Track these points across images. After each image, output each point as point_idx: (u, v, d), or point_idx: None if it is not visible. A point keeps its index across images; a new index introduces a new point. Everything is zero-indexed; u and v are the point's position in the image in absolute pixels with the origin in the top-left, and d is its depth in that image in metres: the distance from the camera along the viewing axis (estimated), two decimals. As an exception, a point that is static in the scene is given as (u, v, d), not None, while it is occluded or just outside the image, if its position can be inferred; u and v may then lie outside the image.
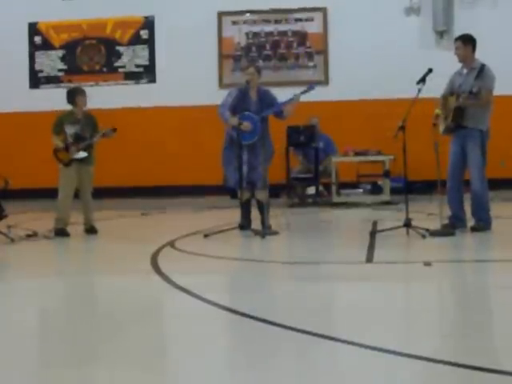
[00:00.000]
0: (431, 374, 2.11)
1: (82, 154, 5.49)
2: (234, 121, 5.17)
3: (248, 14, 8.98)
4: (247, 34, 9.01)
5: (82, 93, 5.62)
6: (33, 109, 8.96)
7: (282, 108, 5.32)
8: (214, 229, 5.29)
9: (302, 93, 5.33)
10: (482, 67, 4.83)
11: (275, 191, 6.75)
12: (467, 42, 4.92)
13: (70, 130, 5.51)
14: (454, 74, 5.02)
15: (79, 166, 5.51)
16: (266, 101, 5.31)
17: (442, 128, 4.99)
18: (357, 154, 7.64)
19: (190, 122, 8.86)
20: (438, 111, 4.94)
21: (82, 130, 5.54)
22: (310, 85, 5.57)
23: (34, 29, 9.39)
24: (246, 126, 5.16)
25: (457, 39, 5.03)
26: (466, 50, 4.88)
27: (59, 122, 5.54)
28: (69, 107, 5.65)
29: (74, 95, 5.58)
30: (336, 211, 7.04)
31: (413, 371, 2.13)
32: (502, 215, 5.61)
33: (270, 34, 8.98)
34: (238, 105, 5.25)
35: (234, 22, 9.02)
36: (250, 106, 5.28)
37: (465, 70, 4.94)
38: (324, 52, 8.86)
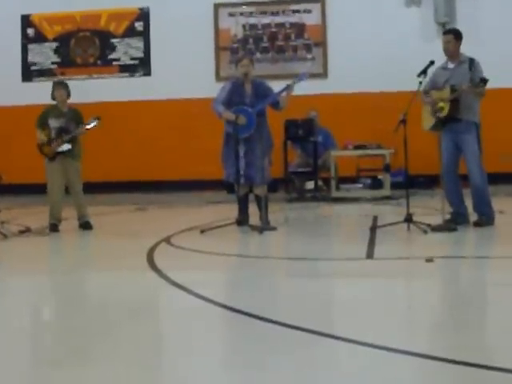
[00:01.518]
0: (430, 371, 2.07)
1: (66, 147, 5.44)
2: (229, 115, 5.08)
3: (245, 6, 8.85)
4: (244, 25, 8.91)
5: (59, 86, 5.55)
6: (25, 102, 8.84)
7: (277, 99, 5.23)
8: (210, 224, 5.24)
9: (297, 81, 5.24)
10: (473, 60, 4.79)
11: (273, 186, 6.65)
12: (459, 37, 4.88)
13: (54, 124, 5.47)
14: (438, 69, 4.95)
15: (64, 160, 5.46)
16: (262, 93, 5.24)
17: (428, 125, 4.91)
18: (356, 147, 7.55)
19: (186, 116, 8.77)
20: (441, 104, 4.84)
21: (66, 124, 5.48)
22: (304, 73, 5.49)
23: (26, 21, 9.28)
24: (241, 119, 5.07)
25: (448, 32, 4.97)
26: (456, 45, 4.85)
27: (43, 116, 5.50)
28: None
29: (52, 89, 5.54)
30: (335, 206, 6.99)
31: (412, 368, 2.11)
32: (506, 210, 5.54)
33: (268, 25, 8.88)
34: (233, 98, 5.18)
35: (231, 14, 8.91)
36: (245, 99, 5.21)
37: (450, 65, 4.89)
38: (322, 44, 8.76)
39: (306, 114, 7.68)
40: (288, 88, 5.18)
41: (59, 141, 5.40)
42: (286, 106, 5.30)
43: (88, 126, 5.47)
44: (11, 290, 3.46)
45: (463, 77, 4.76)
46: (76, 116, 5.54)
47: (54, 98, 5.52)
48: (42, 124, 5.46)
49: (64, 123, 5.46)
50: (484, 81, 4.56)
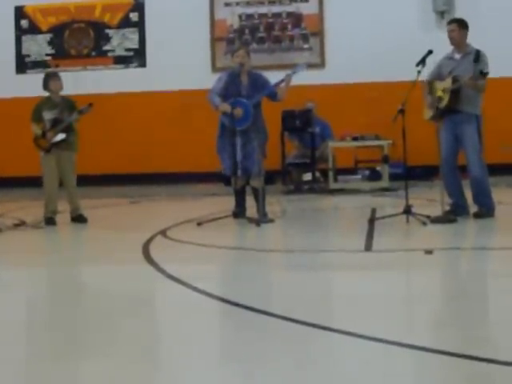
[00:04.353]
0: (430, 364, 2.05)
1: (60, 136, 5.38)
2: (226, 107, 5.02)
3: (241, -4, 8.77)
4: (240, 15, 8.82)
5: (55, 77, 5.49)
6: (20, 94, 8.75)
7: (275, 90, 5.18)
8: (207, 217, 5.19)
9: (294, 72, 5.19)
10: (478, 52, 4.73)
11: (270, 177, 6.60)
12: (463, 26, 4.84)
13: (48, 115, 5.41)
14: (443, 59, 4.90)
15: (60, 152, 5.40)
16: (258, 85, 5.17)
17: (428, 114, 4.86)
18: (354, 138, 7.49)
19: (181, 108, 8.69)
20: (440, 93, 4.78)
21: (60, 114, 5.42)
22: (302, 64, 5.44)
23: (20, 12, 9.18)
24: (238, 111, 5.01)
25: (452, 22, 4.95)
26: (460, 34, 4.80)
27: (37, 109, 5.44)
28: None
29: (47, 80, 5.46)
30: (333, 198, 6.96)
31: (412, 361, 2.08)
32: (505, 201, 5.50)
33: (264, 15, 8.80)
34: (229, 90, 5.12)
35: (227, 4, 8.82)
36: (242, 91, 5.14)
37: (457, 55, 4.84)
38: (320, 34, 8.69)
39: (304, 104, 7.61)
40: (286, 79, 5.12)
41: (53, 131, 5.34)
42: (285, 97, 5.24)
43: (81, 113, 5.37)
44: (7, 284, 3.42)
45: (467, 69, 4.70)
46: (69, 105, 5.48)
47: (48, 90, 5.44)
48: (37, 117, 5.40)
49: (58, 114, 5.41)
50: (483, 74, 4.50)
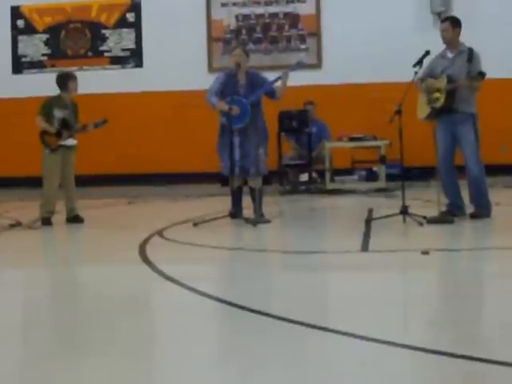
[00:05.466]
0: (427, 364, 2.05)
1: (72, 142, 5.45)
2: (223, 106, 5.01)
3: (237, -4, 8.77)
4: (237, 16, 8.83)
5: (75, 78, 5.55)
6: (16, 95, 8.74)
7: (272, 88, 5.18)
8: (203, 217, 5.18)
9: (291, 70, 5.20)
10: (471, 51, 4.73)
11: (267, 178, 6.60)
12: (456, 24, 4.83)
13: (58, 114, 5.42)
14: (436, 58, 4.90)
15: (64, 153, 5.40)
16: (256, 83, 5.18)
17: (423, 113, 4.86)
18: (351, 139, 7.49)
19: (178, 108, 8.69)
20: (437, 95, 4.78)
21: (69, 115, 5.47)
22: (298, 61, 5.44)
23: (16, 12, 9.16)
24: (235, 110, 5.01)
25: (444, 20, 4.96)
26: (454, 33, 4.80)
27: (49, 104, 5.44)
28: (54, 92, 5.52)
29: (66, 80, 5.49)
30: (330, 199, 6.96)
31: (409, 362, 2.08)
32: (503, 202, 5.52)
33: (261, 16, 8.80)
34: (227, 89, 5.12)
35: (224, 4, 8.82)
36: (239, 90, 5.15)
37: (449, 54, 4.83)
38: (317, 34, 8.70)
39: (300, 105, 7.62)
40: (283, 77, 5.12)
41: (68, 134, 5.38)
42: (283, 94, 5.23)
43: (96, 126, 5.51)
44: (4, 284, 3.41)
45: (461, 68, 4.70)
46: (76, 109, 5.55)
47: (65, 89, 5.43)
48: (46, 113, 5.38)
49: (67, 115, 5.44)
50: (482, 75, 4.50)
